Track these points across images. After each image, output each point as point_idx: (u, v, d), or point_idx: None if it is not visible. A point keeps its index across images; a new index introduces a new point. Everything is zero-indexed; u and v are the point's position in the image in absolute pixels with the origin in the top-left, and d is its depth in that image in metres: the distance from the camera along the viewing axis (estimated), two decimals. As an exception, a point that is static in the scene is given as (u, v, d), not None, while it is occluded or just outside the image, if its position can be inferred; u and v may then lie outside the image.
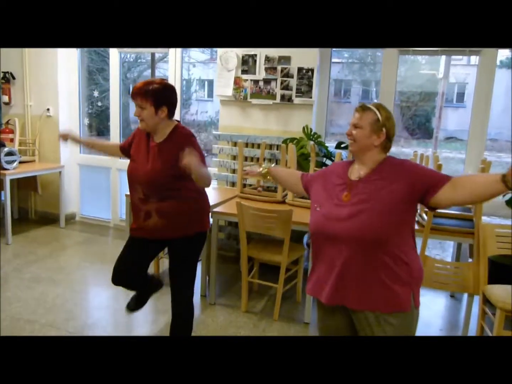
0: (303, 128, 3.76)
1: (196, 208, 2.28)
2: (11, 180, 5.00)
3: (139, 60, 6.72)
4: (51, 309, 3.11)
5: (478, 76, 3.60)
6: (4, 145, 4.36)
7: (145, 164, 2.20)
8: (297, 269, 3.36)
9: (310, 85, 3.79)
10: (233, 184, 4.13)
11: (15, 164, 4.36)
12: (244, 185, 3.88)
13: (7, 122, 4.89)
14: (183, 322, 2.38)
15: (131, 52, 5.21)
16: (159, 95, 2.13)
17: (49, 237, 4.64)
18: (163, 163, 2.17)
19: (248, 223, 3.05)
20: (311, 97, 3.80)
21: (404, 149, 5.95)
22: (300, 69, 3.80)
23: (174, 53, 4.46)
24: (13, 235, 4.48)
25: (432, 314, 3.32)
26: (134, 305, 2.56)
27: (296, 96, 3.84)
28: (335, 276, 1.62)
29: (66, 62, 4.90)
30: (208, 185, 2.22)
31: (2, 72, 4.98)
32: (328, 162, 3.85)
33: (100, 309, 3.15)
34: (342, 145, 3.90)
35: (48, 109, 4.91)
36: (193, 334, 2.82)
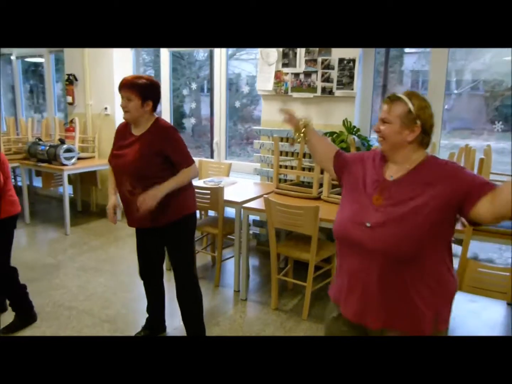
0: (343, 121, 3.60)
1: (179, 193, 2.37)
2: (74, 175, 5.41)
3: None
4: (91, 297, 3.28)
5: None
6: (64, 142, 4.67)
7: (128, 157, 2.30)
8: (330, 268, 3.22)
9: (351, 77, 3.62)
10: (267, 178, 4.07)
11: (73, 160, 4.66)
12: (284, 181, 3.81)
13: (71, 121, 5.24)
14: (189, 295, 2.54)
15: (184, 51, 5.33)
16: (146, 90, 2.28)
17: (104, 229, 4.91)
18: (146, 154, 2.28)
19: (276, 219, 2.98)
20: (352, 89, 3.63)
21: (485, 142, 5.47)
22: (341, 60, 3.64)
23: (219, 51, 4.49)
24: (73, 226, 4.80)
25: (481, 323, 3.02)
26: None
27: (337, 88, 3.69)
28: (359, 292, 1.45)
29: (122, 62, 5.14)
30: (189, 180, 2.40)
31: (67, 74, 5.35)
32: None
33: (136, 300, 3.26)
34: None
35: (105, 108, 5.19)
36: (217, 328, 2.85)
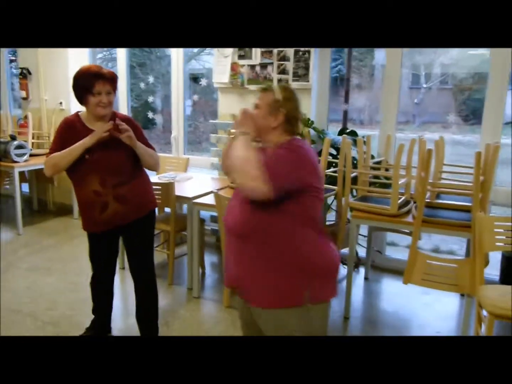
0: (298, 114, 3.54)
1: (146, 187, 2.41)
2: (30, 173, 5.22)
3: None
4: (37, 298, 3.14)
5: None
6: (15, 139, 4.48)
7: (98, 152, 2.18)
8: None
9: (307, 68, 3.56)
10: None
11: (25, 156, 4.47)
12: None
13: (25, 117, 5.04)
14: (150, 294, 2.51)
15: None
16: (116, 82, 2.25)
17: (60, 227, 4.74)
18: (121, 150, 2.20)
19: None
20: (308, 81, 3.57)
21: (455, 136, 5.47)
22: (296, 52, 3.58)
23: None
24: (27, 225, 4.62)
25: (433, 315, 3.01)
26: None
27: (293, 80, 3.62)
28: (232, 266, 1.61)
29: (77, 55, 4.95)
30: (154, 166, 2.37)
31: (20, 68, 5.14)
32: (332, 151, 3.60)
33: (83, 301, 3.12)
34: (346, 131, 3.65)
35: (60, 103, 5.01)
36: (165, 328, 2.75)
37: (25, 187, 5.49)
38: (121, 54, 4.74)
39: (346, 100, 4.48)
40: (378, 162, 3.37)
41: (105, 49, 5.77)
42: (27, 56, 5.07)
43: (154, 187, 3.19)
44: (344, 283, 3.05)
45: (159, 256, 3.95)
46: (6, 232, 4.58)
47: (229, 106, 4.00)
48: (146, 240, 2.44)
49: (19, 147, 4.42)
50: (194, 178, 3.92)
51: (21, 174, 5.09)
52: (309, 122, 3.50)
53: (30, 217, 5.00)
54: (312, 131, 3.56)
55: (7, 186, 5.53)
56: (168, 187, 3.19)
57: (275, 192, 1.39)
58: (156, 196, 3.22)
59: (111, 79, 2.16)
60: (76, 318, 2.88)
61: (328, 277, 1.56)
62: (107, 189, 2.20)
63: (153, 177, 3.77)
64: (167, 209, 3.93)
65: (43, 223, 4.87)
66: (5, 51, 5.63)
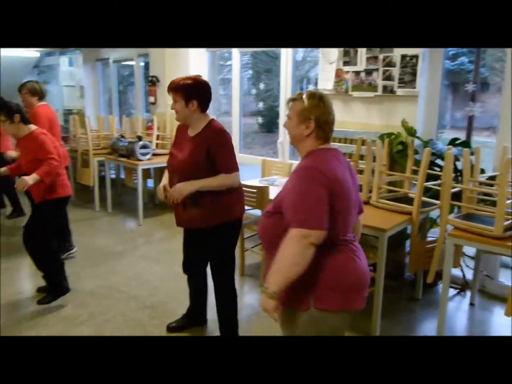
0: (402, 121, 3.38)
1: (223, 198, 2.35)
2: (155, 170, 5.80)
3: (308, 58, 6.86)
4: (142, 284, 3.50)
5: None
6: (141, 139, 5.03)
7: (180, 156, 2.36)
8: (375, 277, 3.04)
9: (414, 74, 3.38)
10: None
11: (148, 155, 5.00)
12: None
13: (152, 120, 5.63)
14: (223, 301, 2.56)
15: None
16: (189, 90, 2.28)
17: (173, 222, 5.17)
18: (194, 155, 2.30)
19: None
20: (414, 87, 3.38)
21: None
22: (403, 57, 3.42)
23: (285, 52, 4.48)
24: (147, 217, 5.15)
25: None
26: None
27: (399, 87, 3.47)
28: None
29: (196, 62, 5.37)
30: (223, 186, 2.33)
31: (150, 76, 5.74)
32: (439, 162, 3.36)
33: (181, 291, 3.39)
34: (457, 142, 3.38)
35: (182, 108, 5.46)
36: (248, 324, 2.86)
37: (151, 183, 6.13)
38: (236, 57, 5.00)
39: (471, 105, 4.11)
40: (493, 177, 3.05)
41: (225, 60, 6.12)
42: (157, 65, 5.65)
43: (250, 190, 3.37)
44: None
45: (253, 256, 4.10)
46: (129, 222, 5.17)
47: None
48: (218, 250, 2.48)
49: (144, 146, 4.95)
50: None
51: (147, 171, 5.71)
52: (413, 130, 3.31)
53: (151, 210, 5.56)
54: (416, 141, 3.36)
55: (136, 181, 6.24)
56: (262, 190, 3.30)
57: (320, 228, 1.47)
58: (251, 199, 3.38)
59: (173, 89, 2.30)
60: (171, 305, 3.15)
61: (339, 288, 1.56)
62: None
63: (254, 180, 3.93)
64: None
65: (161, 216, 5.38)
66: (139, 59, 6.34)
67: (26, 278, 3.65)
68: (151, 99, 5.80)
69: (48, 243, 3.02)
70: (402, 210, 3.00)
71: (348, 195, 1.58)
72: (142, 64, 6.44)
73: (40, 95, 3.85)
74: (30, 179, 2.77)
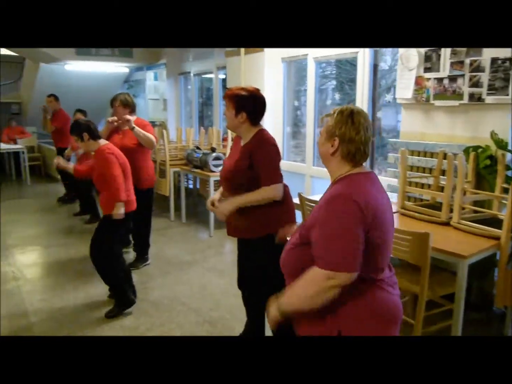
0: (491, 133, 2.99)
1: (271, 209, 2.30)
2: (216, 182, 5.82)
3: (395, 67, 6.56)
4: (205, 296, 3.47)
5: None
6: (214, 151, 5.07)
7: (227, 165, 2.40)
8: (453, 308, 2.70)
9: (507, 80, 2.98)
10: (408, 198, 3.63)
11: (221, 167, 5.01)
12: (420, 200, 3.37)
13: (227, 132, 5.67)
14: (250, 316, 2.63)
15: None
16: (240, 102, 2.26)
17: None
18: (238, 164, 2.29)
19: (383, 243, 2.65)
20: (507, 95, 2.98)
21: None
22: (494, 60, 3.03)
23: (363, 57, 4.25)
24: (218, 229, 5.16)
25: None
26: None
27: (488, 94, 3.08)
28: None
29: (271, 73, 5.31)
30: (265, 200, 2.28)
31: (226, 88, 5.79)
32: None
33: (242, 307, 3.30)
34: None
35: (256, 119, 5.43)
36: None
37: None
38: (311, 70, 4.86)
39: None
40: None
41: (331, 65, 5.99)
42: (234, 77, 5.70)
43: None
44: None
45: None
46: (201, 232, 5.22)
47: (412, 124, 3.66)
48: (255, 263, 2.43)
49: (217, 158, 4.98)
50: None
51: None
52: (504, 143, 2.91)
53: (223, 222, 5.56)
54: (508, 155, 2.95)
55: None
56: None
57: (350, 271, 1.33)
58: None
59: (228, 96, 2.30)
60: (231, 323, 3.06)
61: (366, 320, 1.43)
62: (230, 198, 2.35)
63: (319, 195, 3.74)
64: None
65: (232, 228, 5.35)
66: (218, 72, 6.44)
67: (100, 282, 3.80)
68: (227, 111, 5.85)
69: (113, 257, 3.11)
70: (489, 234, 2.63)
71: (389, 226, 1.44)
72: (223, 76, 6.54)
73: (132, 107, 3.92)
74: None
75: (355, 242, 1.33)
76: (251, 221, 2.33)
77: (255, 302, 2.61)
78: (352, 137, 1.45)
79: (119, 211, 2.93)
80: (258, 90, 2.32)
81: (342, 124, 1.46)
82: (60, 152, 6.41)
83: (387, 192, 3.41)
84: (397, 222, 3.05)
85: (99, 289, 3.51)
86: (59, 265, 4.16)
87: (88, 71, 7.78)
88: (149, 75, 8.40)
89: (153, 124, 7.92)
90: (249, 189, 2.29)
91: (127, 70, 8.30)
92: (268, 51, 5.23)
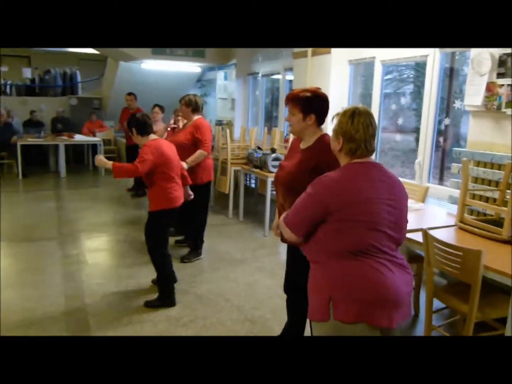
0: None
1: None
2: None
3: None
4: (250, 295, 3.49)
5: None
6: (274, 151, 5.09)
7: (287, 167, 2.30)
8: (505, 334, 2.48)
9: None
10: (471, 211, 3.39)
11: (279, 168, 5.02)
12: (483, 215, 3.15)
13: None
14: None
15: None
16: (308, 103, 2.19)
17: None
18: (299, 168, 2.22)
19: (433, 258, 2.51)
20: None
21: None
22: None
23: (432, 59, 4.04)
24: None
25: None
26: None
27: None
28: None
29: (338, 75, 5.22)
30: None
31: (292, 89, 5.79)
32: None
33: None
34: None
35: (319, 122, 5.37)
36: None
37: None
38: (378, 73, 4.72)
39: None
40: None
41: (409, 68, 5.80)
42: (300, 79, 5.68)
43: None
44: None
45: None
46: (256, 231, 5.26)
47: (481, 133, 3.42)
48: (302, 269, 2.28)
49: (276, 159, 4.99)
50: (425, 210, 3.54)
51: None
52: None
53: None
54: None
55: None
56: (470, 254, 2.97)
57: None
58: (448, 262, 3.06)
59: (291, 99, 2.21)
60: (272, 323, 3.06)
61: (353, 300, 1.60)
62: (287, 204, 2.24)
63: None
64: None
65: (288, 230, 5.34)
66: (285, 73, 6.44)
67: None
68: (291, 112, 5.83)
69: (159, 250, 3.23)
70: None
71: (366, 207, 1.61)
72: (292, 78, 6.54)
73: (195, 107, 4.04)
74: (103, 162, 3.07)
75: (306, 216, 1.70)
76: None
77: (297, 308, 2.58)
78: (352, 136, 1.67)
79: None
80: (319, 88, 2.25)
81: (344, 124, 1.68)
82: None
83: (450, 204, 3.18)
84: (454, 236, 2.88)
85: (149, 279, 3.67)
86: (119, 253, 4.41)
87: (163, 70, 8.14)
88: (220, 75, 8.62)
89: (220, 123, 8.14)
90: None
91: (199, 69, 8.58)
92: (335, 53, 5.14)
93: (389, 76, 6.18)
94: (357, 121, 1.66)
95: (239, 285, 3.69)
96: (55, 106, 9.40)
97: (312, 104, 2.18)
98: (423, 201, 3.87)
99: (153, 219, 3.19)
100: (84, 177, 8.47)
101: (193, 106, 4.02)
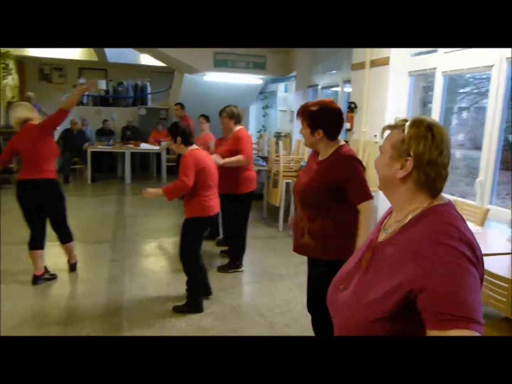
0: None
1: (344, 233, 2.17)
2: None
3: None
4: (285, 312, 3.39)
5: None
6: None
7: (304, 179, 2.26)
8: None
9: None
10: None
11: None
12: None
13: (345, 146, 5.49)
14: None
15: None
16: (313, 118, 2.15)
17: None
18: (317, 181, 2.17)
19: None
20: None
21: None
22: None
23: (498, 70, 3.72)
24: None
25: None
26: None
27: None
28: None
29: (396, 87, 4.99)
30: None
31: (349, 102, 5.63)
32: None
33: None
34: None
35: (375, 135, 5.17)
36: None
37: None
38: (438, 84, 4.44)
39: None
40: None
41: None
42: (357, 91, 5.51)
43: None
44: None
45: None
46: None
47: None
48: (318, 284, 2.29)
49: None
50: (481, 234, 3.24)
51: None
52: None
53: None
54: None
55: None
56: None
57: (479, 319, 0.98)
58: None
59: (300, 113, 2.19)
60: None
61: None
62: (303, 217, 2.23)
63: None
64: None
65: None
66: (344, 85, 6.28)
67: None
68: (347, 125, 5.67)
69: (190, 257, 3.24)
70: None
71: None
72: (350, 90, 6.39)
73: (237, 119, 4.11)
74: (153, 193, 3.09)
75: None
76: (325, 241, 2.19)
77: (319, 330, 2.46)
78: (434, 159, 1.07)
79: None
80: (332, 101, 2.19)
81: (420, 139, 1.08)
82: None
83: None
84: (508, 266, 2.59)
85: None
86: (166, 259, 4.50)
87: (225, 82, 8.31)
88: (280, 87, 8.62)
89: (278, 134, 8.12)
90: (325, 209, 2.17)
91: (261, 81, 8.65)
92: (393, 65, 4.93)
93: (466, 89, 5.81)
94: (440, 137, 1.08)
95: (276, 300, 3.60)
96: (126, 116, 9.92)
97: (319, 118, 2.14)
98: (482, 224, 3.56)
99: (188, 225, 3.21)
100: (148, 184, 8.84)
101: (236, 118, 4.06)
